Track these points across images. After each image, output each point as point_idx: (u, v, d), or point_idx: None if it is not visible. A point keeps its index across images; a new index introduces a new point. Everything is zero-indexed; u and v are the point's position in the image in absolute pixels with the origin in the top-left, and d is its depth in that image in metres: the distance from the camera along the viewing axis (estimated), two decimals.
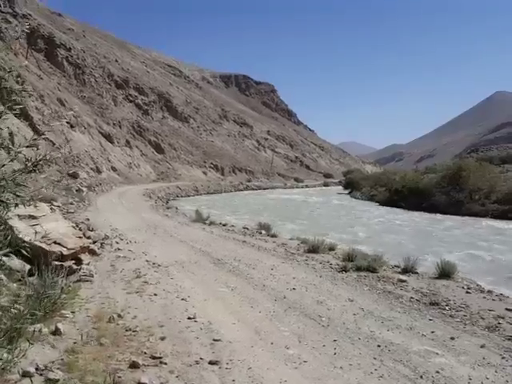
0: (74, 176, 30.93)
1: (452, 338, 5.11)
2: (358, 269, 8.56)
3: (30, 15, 56.83)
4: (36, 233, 7.10)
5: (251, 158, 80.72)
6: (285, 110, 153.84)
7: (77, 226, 11.58)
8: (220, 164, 64.66)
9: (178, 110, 75.61)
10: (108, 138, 46.03)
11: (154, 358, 4.10)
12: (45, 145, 32.79)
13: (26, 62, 42.15)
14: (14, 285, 6.16)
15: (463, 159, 44.61)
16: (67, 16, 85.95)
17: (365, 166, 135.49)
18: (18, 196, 2.85)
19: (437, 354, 4.65)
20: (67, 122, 39.55)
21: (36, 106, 35.14)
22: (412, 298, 6.75)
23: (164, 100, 74.46)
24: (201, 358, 4.20)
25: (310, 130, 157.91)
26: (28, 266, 6.74)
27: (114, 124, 51.58)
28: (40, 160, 2.80)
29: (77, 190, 25.95)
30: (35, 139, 2.84)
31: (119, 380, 3.55)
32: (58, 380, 3.39)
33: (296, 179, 79.53)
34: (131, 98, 65.57)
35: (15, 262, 6.56)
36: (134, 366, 3.85)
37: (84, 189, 27.27)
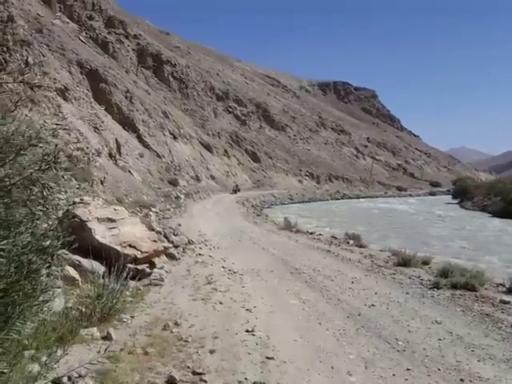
0: (174, 184, 32.55)
1: None
2: (454, 286, 7.47)
3: (140, 35, 61.72)
4: (113, 236, 7.28)
5: (349, 166, 78.52)
6: (386, 115, 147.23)
7: (163, 230, 11.89)
8: (316, 172, 63.83)
9: (274, 119, 76.42)
10: (207, 147, 47.99)
11: (195, 373, 3.77)
12: (149, 154, 35.16)
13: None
14: (89, 286, 6.31)
15: None
16: (174, 35, 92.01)
17: (478, 173, 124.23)
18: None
19: None
20: (170, 133, 42.08)
21: (143, 119, 37.84)
22: None
23: (261, 110, 75.80)
24: (245, 378, 3.77)
25: (414, 135, 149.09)
26: (103, 268, 6.90)
27: (213, 134, 53.68)
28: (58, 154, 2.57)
29: (175, 197, 27.20)
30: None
31: None
32: None
33: (398, 188, 75.41)
34: (230, 110, 67.78)
35: (90, 263, 6.76)
36: (170, 381, 3.55)
37: (182, 196, 28.50)
